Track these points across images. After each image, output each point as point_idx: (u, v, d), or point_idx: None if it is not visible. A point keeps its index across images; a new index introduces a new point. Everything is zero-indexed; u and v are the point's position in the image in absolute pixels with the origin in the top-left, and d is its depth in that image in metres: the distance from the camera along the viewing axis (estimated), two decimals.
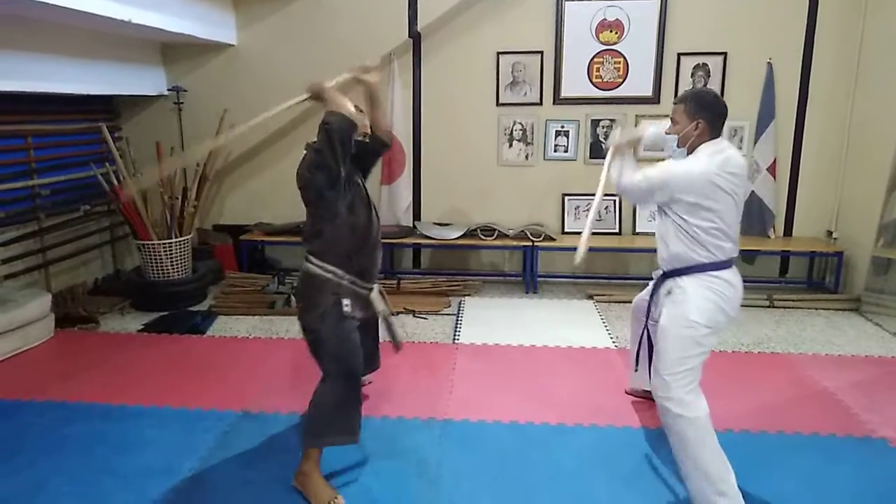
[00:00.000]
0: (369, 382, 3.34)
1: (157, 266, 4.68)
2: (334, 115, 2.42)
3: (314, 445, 2.50)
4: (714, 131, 2.46)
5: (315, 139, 2.47)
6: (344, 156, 2.41)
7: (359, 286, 2.61)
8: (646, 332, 2.87)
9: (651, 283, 2.81)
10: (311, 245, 2.57)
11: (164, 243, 4.67)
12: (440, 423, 3.05)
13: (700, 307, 2.40)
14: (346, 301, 2.54)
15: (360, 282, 2.60)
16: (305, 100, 2.66)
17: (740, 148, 5.13)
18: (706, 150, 2.45)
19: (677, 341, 2.41)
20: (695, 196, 2.37)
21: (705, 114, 2.44)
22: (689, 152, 2.52)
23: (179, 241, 4.75)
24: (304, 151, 2.59)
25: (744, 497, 2.32)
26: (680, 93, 2.78)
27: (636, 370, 3.08)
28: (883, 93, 4.63)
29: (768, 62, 5.01)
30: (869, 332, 4.31)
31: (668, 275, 2.56)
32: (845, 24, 4.91)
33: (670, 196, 2.43)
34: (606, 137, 5.26)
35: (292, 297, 4.47)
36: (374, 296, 2.70)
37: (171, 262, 4.71)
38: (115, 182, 4.69)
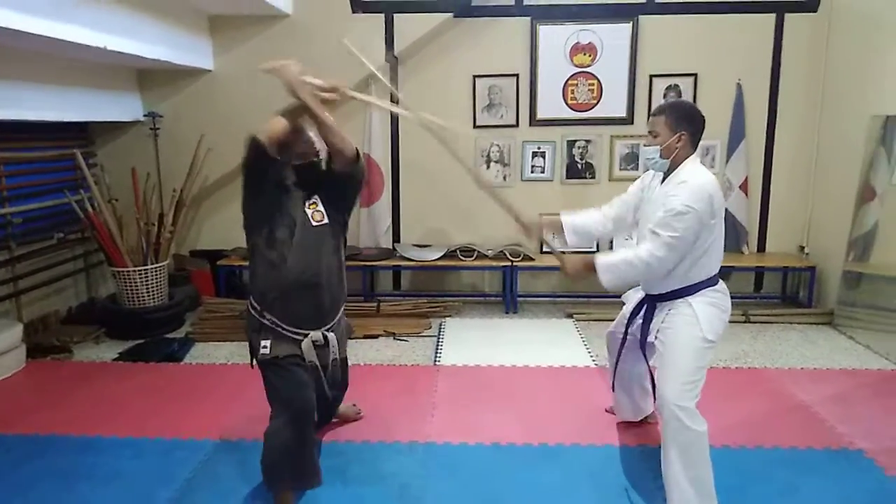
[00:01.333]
0: (361, 417, 3.25)
1: (132, 293, 4.61)
2: (252, 137, 2.26)
3: (272, 491, 2.44)
4: (695, 144, 2.46)
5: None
6: (253, 184, 2.30)
7: (285, 329, 2.40)
8: (623, 353, 2.85)
9: (631, 307, 2.78)
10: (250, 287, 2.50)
11: (139, 270, 4.61)
12: (422, 447, 3.03)
13: (711, 324, 2.44)
14: (263, 342, 2.38)
15: (283, 325, 2.40)
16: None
17: (712, 166, 5.24)
18: (695, 163, 2.45)
19: (691, 354, 2.41)
20: (715, 210, 2.37)
21: (687, 126, 2.42)
22: (673, 167, 2.47)
23: (155, 268, 4.69)
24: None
25: None
26: (656, 105, 2.76)
27: (633, 397, 3.06)
28: (848, 111, 4.77)
29: (738, 83, 5.14)
30: (842, 345, 4.39)
31: (664, 297, 2.54)
32: (810, 45, 5.07)
33: (704, 220, 2.34)
34: (582, 158, 5.33)
35: None
36: (306, 345, 2.43)
37: (147, 288, 4.64)
38: (90, 209, 4.63)
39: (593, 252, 5.31)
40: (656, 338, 2.58)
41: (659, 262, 2.37)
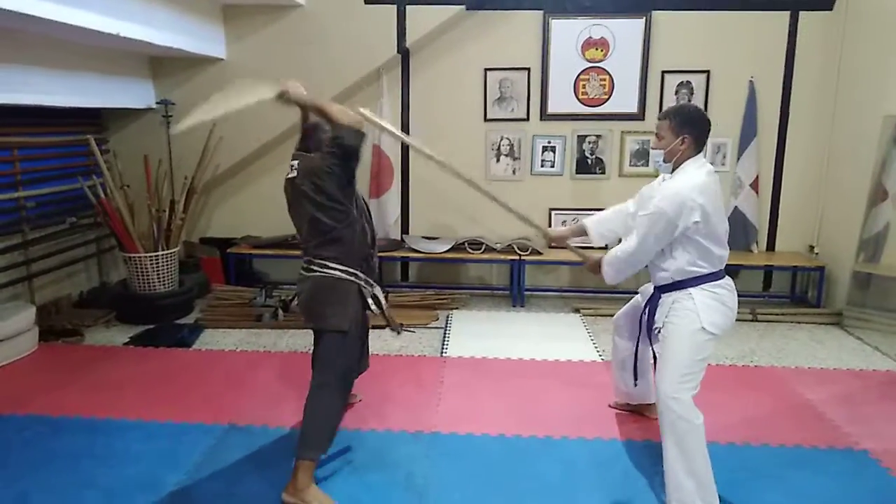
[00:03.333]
0: (359, 401, 3.36)
1: (143, 279, 4.66)
2: (345, 129, 2.52)
3: (314, 457, 2.51)
4: (699, 146, 2.52)
5: (299, 144, 2.67)
6: (356, 168, 2.59)
7: (367, 285, 2.71)
8: (639, 344, 2.89)
9: (639, 298, 2.87)
10: (328, 251, 2.61)
11: (150, 256, 4.65)
12: (428, 436, 3.05)
13: (711, 316, 2.47)
14: (370, 300, 2.69)
15: (370, 281, 2.72)
16: (272, 99, 2.76)
17: (723, 164, 5.22)
18: (694, 164, 2.50)
19: (689, 346, 2.47)
20: (698, 213, 2.40)
21: (690, 129, 2.48)
22: (675, 167, 2.55)
23: (166, 254, 4.73)
24: (296, 160, 2.61)
25: None
26: (664, 108, 2.80)
27: (631, 382, 3.07)
28: (862, 109, 4.74)
29: (750, 80, 5.11)
30: (850, 345, 4.38)
31: (667, 288, 2.58)
32: (825, 43, 5.03)
33: (675, 224, 2.42)
34: (593, 153, 5.33)
35: (280, 311, 4.45)
36: (379, 293, 2.78)
37: (158, 274, 4.69)
38: (103, 195, 4.67)
39: (603, 248, 5.34)
40: (659, 332, 2.63)
41: (631, 256, 2.55)
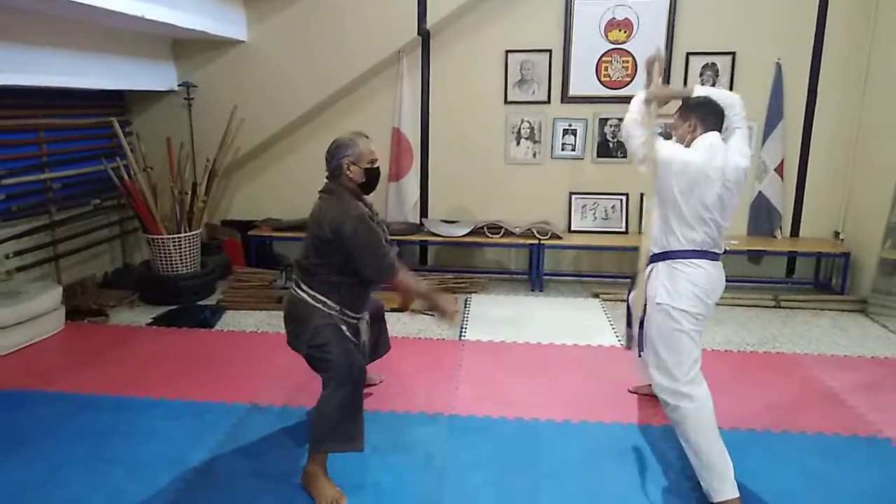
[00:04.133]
0: (380, 381, 3.38)
1: (166, 260, 4.72)
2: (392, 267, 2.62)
3: (317, 451, 2.51)
4: (706, 126, 2.56)
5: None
6: (353, 259, 2.58)
7: (348, 317, 2.68)
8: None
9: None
10: (308, 279, 2.63)
11: (173, 238, 4.70)
12: (447, 418, 3.07)
13: (666, 288, 2.49)
14: (345, 329, 2.65)
15: (350, 314, 2.68)
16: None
17: (749, 148, 5.12)
18: (697, 143, 2.54)
19: (656, 327, 2.53)
20: (672, 176, 2.46)
21: (695, 113, 2.60)
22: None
23: (188, 236, 4.79)
24: (332, 210, 2.58)
25: (749, 496, 2.34)
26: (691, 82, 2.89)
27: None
28: (892, 93, 4.62)
29: (777, 62, 5.01)
30: (875, 333, 4.31)
31: (652, 260, 2.63)
32: (855, 23, 4.90)
33: (656, 165, 2.52)
34: (614, 136, 5.27)
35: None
36: (363, 325, 2.80)
37: (180, 256, 4.74)
38: (126, 177, 4.72)
39: (623, 233, 5.28)
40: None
41: (624, 125, 2.79)
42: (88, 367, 3.60)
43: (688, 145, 2.58)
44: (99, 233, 5.12)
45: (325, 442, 2.48)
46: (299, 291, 2.65)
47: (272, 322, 4.37)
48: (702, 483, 2.41)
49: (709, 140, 2.52)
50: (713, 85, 5.02)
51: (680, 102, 2.74)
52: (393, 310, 4.58)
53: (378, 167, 2.72)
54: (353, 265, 2.58)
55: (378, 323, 3.08)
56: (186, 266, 4.80)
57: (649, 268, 2.63)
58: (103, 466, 2.64)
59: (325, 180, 2.69)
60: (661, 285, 2.52)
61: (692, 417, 2.42)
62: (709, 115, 2.59)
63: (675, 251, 2.52)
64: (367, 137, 2.68)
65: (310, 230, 2.64)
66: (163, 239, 4.68)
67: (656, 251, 2.60)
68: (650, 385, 3.19)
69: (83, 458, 2.70)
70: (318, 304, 2.61)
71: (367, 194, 2.73)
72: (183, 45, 5.44)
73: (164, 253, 4.70)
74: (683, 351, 2.47)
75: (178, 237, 4.72)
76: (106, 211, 5.17)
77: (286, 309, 2.72)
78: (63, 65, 4.16)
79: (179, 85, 5.42)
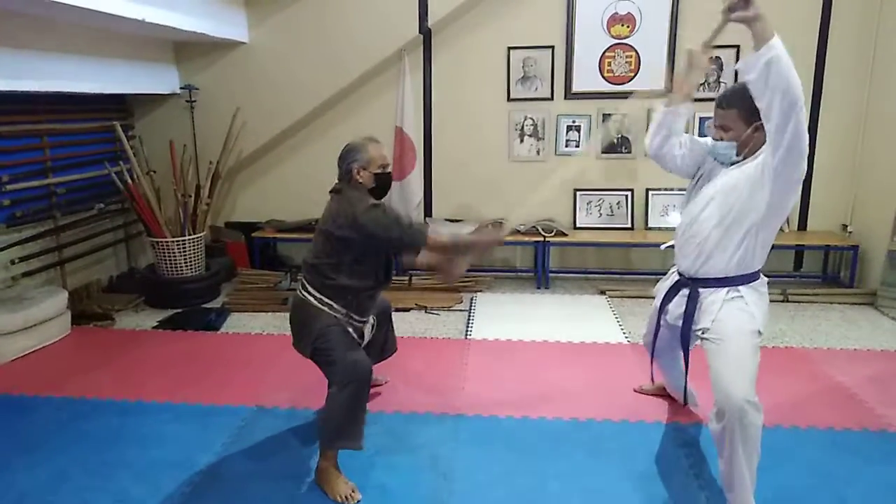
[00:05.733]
0: (385, 382, 3.36)
1: (170, 263, 4.72)
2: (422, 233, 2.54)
3: (327, 448, 2.52)
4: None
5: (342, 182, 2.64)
6: (378, 244, 2.58)
7: (355, 320, 2.66)
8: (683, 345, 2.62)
9: (662, 295, 2.65)
10: (315, 280, 2.61)
11: (177, 241, 4.70)
12: (453, 418, 3.06)
13: (761, 315, 2.34)
14: (352, 331, 2.64)
15: (356, 317, 2.66)
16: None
17: None
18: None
19: (750, 349, 2.28)
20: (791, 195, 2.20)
21: (759, 115, 2.14)
22: (748, 157, 2.30)
23: (193, 239, 4.79)
24: (350, 202, 2.55)
25: (760, 492, 2.30)
26: (720, 95, 2.41)
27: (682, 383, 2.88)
28: None
29: None
30: (884, 326, 4.27)
31: (711, 283, 2.38)
32: (861, 16, 4.85)
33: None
34: (618, 132, 5.24)
35: None
36: (367, 328, 2.79)
37: (185, 259, 4.75)
38: (129, 180, 4.73)
39: (629, 229, 5.25)
40: (704, 333, 2.38)
41: (797, 97, 2.07)
42: (94, 371, 3.60)
43: (745, 152, 2.28)
44: (103, 237, 5.13)
45: (334, 440, 2.49)
46: (305, 294, 2.63)
47: (277, 324, 4.36)
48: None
49: None
50: (717, 81, 5.00)
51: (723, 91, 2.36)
52: (398, 309, 4.57)
53: (389, 172, 2.69)
54: (379, 250, 2.57)
55: (385, 324, 3.06)
56: (191, 269, 4.80)
57: (723, 292, 2.36)
58: (109, 471, 2.64)
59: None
60: (757, 312, 2.32)
61: (759, 432, 2.24)
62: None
63: (756, 272, 2.36)
64: (378, 142, 2.66)
65: (321, 229, 2.61)
66: (167, 242, 4.69)
67: (733, 273, 2.34)
68: (652, 385, 3.20)
69: (89, 463, 2.70)
70: (323, 307, 2.59)
71: (378, 199, 2.69)
72: (184, 48, 5.44)
73: (169, 256, 4.71)
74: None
75: (183, 240, 4.72)
76: (110, 215, 5.18)
77: (292, 311, 2.71)
78: (65, 69, 4.16)
79: (181, 88, 5.42)
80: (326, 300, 2.59)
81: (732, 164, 2.36)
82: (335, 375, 2.49)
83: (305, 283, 2.65)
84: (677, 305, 2.55)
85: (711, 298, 2.38)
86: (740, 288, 2.35)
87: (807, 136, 2.06)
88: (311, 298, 2.60)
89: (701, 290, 2.42)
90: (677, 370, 2.87)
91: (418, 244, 2.55)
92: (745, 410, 2.19)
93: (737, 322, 2.32)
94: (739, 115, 2.26)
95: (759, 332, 2.33)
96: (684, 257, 2.47)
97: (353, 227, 2.48)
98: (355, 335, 2.66)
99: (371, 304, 2.76)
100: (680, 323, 2.51)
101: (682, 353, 2.59)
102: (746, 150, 2.30)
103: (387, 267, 2.72)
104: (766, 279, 2.42)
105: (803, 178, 2.19)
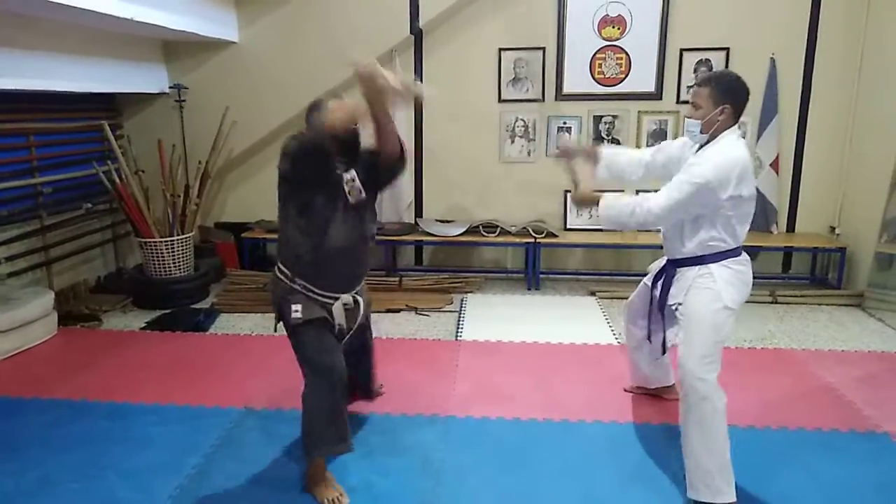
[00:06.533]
0: (382, 392, 3.08)
1: (159, 264, 4.68)
2: (312, 129, 2.31)
3: (308, 456, 2.48)
4: (736, 118, 2.40)
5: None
6: (300, 180, 2.32)
7: (316, 294, 2.43)
8: (652, 324, 2.84)
9: (652, 275, 2.81)
10: (278, 251, 2.52)
11: (166, 241, 4.67)
12: (443, 420, 3.05)
13: (731, 292, 2.42)
14: (294, 307, 2.40)
15: (315, 290, 2.43)
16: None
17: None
18: (733, 135, 2.40)
19: (711, 324, 2.40)
20: (738, 186, 2.32)
21: (731, 99, 2.36)
22: (711, 139, 2.42)
23: (181, 239, 4.75)
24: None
25: (748, 493, 2.32)
26: (701, 75, 2.66)
27: (647, 366, 3.08)
28: (887, 87, 4.62)
29: (771, 57, 4.99)
30: (872, 327, 4.31)
31: (683, 262, 2.53)
32: (849, 18, 4.89)
33: (717, 195, 2.31)
34: (609, 133, 5.25)
35: None
36: (336, 308, 2.48)
37: (173, 259, 4.71)
38: (118, 180, 4.69)
39: (617, 230, 5.27)
40: (677, 308, 2.56)
41: (656, 218, 2.44)
42: (81, 372, 3.56)
43: (710, 131, 2.40)
44: (91, 237, 5.08)
45: (314, 447, 2.45)
46: (276, 271, 2.50)
47: (266, 325, 4.34)
48: (705, 483, 2.37)
49: (737, 133, 2.41)
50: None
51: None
52: (388, 310, 4.56)
53: (355, 128, 2.40)
54: (307, 176, 2.30)
55: (362, 336, 2.78)
56: (179, 269, 4.76)
57: (694, 269, 2.48)
58: (96, 473, 2.61)
59: None
60: (725, 289, 2.41)
61: (718, 413, 2.36)
62: (743, 105, 2.39)
63: (731, 250, 2.44)
64: (340, 98, 2.46)
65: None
66: (155, 242, 4.65)
67: (700, 253, 2.46)
68: (638, 385, 3.24)
69: (76, 466, 2.67)
70: (281, 277, 2.44)
71: (348, 157, 2.45)
72: (174, 47, 5.40)
73: (157, 256, 4.67)
74: (722, 347, 2.44)
75: (171, 240, 4.69)
76: (98, 215, 5.13)
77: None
78: (53, 68, 4.12)
79: (171, 87, 5.38)
80: (283, 268, 2.44)
81: (701, 146, 2.48)
82: (305, 376, 2.45)
83: (277, 261, 2.51)
84: (660, 284, 2.72)
85: (685, 276, 2.53)
86: (711, 265, 2.45)
87: (681, 201, 2.37)
88: (276, 269, 2.48)
89: (678, 269, 2.57)
90: (652, 363, 3.04)
91: (321, 131, 2.27)
92: (695, 388, 2.36)
93: (701, 300, 2.44)
94: (710, 94, 2.38)
95: (728, 308, 2.40)
96: (664, 241, 2.64)
97: (283, 154, 2.30)
98: (326, 315, 2.45)
99: (337, 279, 2.48)
100: (659, 301, 2.71)
101: (658, 347, 2.89)
102: (710, 130, 2.41)
103: (349, 230, 2.43)
104: (743, 258, 2.48)
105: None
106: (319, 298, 2.45)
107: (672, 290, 2.59)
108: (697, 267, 2.48)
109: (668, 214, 2.42)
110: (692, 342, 2.43)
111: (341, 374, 2.45)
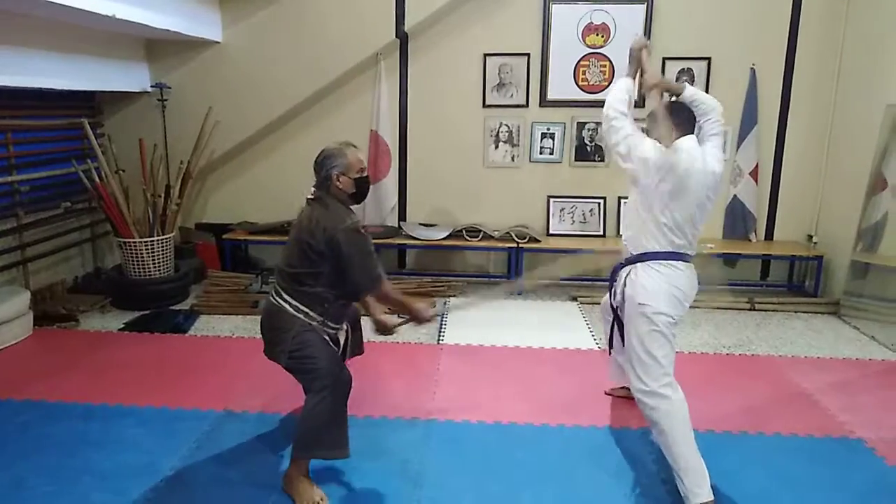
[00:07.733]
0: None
1: (138, 264, 4.63)
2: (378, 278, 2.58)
3: (303, 457, 2.48)
4: (684, 129, 2.57)
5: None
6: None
7: (329, 327, 2.63)
8: (615, 326, 2.88)
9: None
10: (291, 288, 2.56)
11: (145, 241, 4.62)
12: (424, 423, 3.05)
13: (652, 291, 2.49)
14: (328, 339, 2.62)
15: (330, 324, 2.63)
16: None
17: (723, 153, 5.18)
18: (679, 144, 2.51)
19: (637, 339, 2.52)
20: (664, 185, 2.44)
21: (681, 113, 2.62)
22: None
23: (161, 240, 4.71)
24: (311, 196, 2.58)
25: (723, 497, 2.35)
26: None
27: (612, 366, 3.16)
28: (863, 98, 4.71)
29: (752, 67, 5.07)
30: (847, 335, 4.38)
31: (625, 263, 2.64)
32: (827, 29, 4.99)
33: (635, 167, 2.52)
34: (592, 140, 5.29)
35: None
36: (341, 334, 2.78)
37: (153, 260, 4.66)
38: (97, 179, 4.63)
39: (600, 237, 5.30)
40: (618, 308, 2.71)
41: (605, 107, 2.74)
42: (57, 374, 3.51)
43: (656, 133, 2.58)
44: (69, 236, 5.01)
45: (313, 449, 2.46)
46: (280, 300, 2.57)
47: (247, 327, 4.31)
48: (679, 486, 2.41)
49: (689, 143, 2.53)
50: None
51: (659, 97, 2.69)
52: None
53: (367, 175, 2.66)
54: (343, 275, 2.51)
55: (356, 329, 3.04)
56: (159, 270, 4.71)
57: (626, 269, 2.63)
58: (71, 476, 2.57)
59: (313, 188, 2.61)
60: (642, 287, 2.52)
61: (669, 419, 2.43)
62: (688, 120, 2.62)
63: (655, 252, 2.53)
64: (355, 147, 2.62)
65: (298, 238, 2.54)
66: (135, 242, 4.60)
67: (634, 252, 2.59)
68: (624, 387, 3.24)
69: (50, 468, 2.62)
70: (298, 315, 2.54)
71: (358, 203, 2.69)
72: (156, 46, 5.35)
73: (137, 257, 4.61)
74: (661, 353, 2.49)
75: (151, 241, 4.64)
76: (76, 214, 5.07)
77: (264, 317, 2.64)
78: (33, 65, 4.06)
79: (153, 86, 5.33)
80: (303, 307, 2.54)
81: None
82: (314, 383, 2.45)
83: (280, 289, 2.59)
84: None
85: (619, 275, 2.67)
86: (637, 265, 2.57)
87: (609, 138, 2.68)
88: (286, 305, 2.55)
89: (619, 271, 2.69)
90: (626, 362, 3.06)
91: (375, 285, 2.57)
92: (642, 402, 2.50)
93: (629, 302, 2.57)
94: (667, 114, 2.58)
95: (647, 315, 2.48)
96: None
97: (329, 242, 2.45)
98: (331, 342, 2.63)
99: (346, 311, 2.74)
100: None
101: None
102: (655, 127, 2.59)
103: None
104: (679, 264, 2.52)
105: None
106: (331, 330, 2.66)
107: (614, 290, 2.72)
108: (629, 266, 2.60)
109: (607, 116, 2.70)
110: (629, 357, 2.58)
111: (349, 380, 2.55)
